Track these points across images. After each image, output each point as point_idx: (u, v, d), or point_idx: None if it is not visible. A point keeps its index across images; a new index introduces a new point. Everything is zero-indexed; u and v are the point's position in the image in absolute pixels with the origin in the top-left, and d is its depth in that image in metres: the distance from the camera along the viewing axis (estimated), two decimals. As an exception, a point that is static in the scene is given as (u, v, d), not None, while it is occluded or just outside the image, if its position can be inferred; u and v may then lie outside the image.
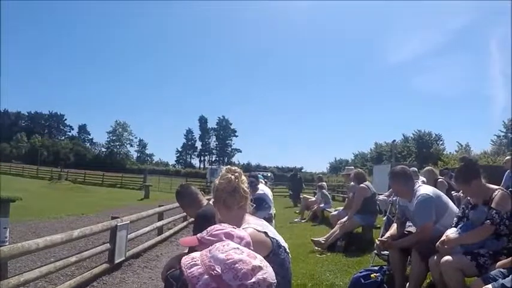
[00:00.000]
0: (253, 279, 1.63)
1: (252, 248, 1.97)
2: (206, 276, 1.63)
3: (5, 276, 5.00)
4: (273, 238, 2.67)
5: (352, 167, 12.41)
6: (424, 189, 5.20)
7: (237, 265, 1.64)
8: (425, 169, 10.54)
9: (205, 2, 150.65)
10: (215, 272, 1.62)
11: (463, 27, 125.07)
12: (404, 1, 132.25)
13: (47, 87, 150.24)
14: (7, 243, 5.04)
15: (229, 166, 3.03)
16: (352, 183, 9.89)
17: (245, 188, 2.88)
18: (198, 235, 2.09)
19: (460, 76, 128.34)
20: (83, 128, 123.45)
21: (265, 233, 2.65)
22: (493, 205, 4.19)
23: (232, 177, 2.84)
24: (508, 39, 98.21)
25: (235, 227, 2.18)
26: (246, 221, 2.76)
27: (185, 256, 1.80)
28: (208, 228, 2.12)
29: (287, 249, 2.80)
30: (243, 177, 2.93)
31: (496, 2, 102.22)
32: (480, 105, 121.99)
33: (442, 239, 4.38)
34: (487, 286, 3.51)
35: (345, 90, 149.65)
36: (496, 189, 4.34)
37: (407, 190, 5.28)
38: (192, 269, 1.67)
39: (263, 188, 8.13)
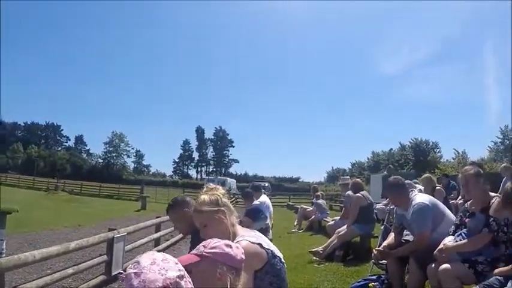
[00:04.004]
0: None
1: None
2: None
3: (1, 288, 4.98)
4: (268, 249, 2.64)
5: (348, 177, 12.39)
6: (420, 197, 5.22)
7: None
8: (423, 176, 10.60)
9: (203, 11, 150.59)
10: None
11: (456, 35, 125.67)
12: (395, 10, 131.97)
13: (43, 97, 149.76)
14: (3, 255, 5.03)
15: (206, 186, 3.00)
16: (348, 192, 9.88)
17: (225, 203, 2.83)
18: (195, 252, 2.07)
19: (455, 84, 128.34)
20: (79, 139, 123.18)
21: (260, 244, 2.62)
22: (490, 213, 4.20)
23: (212, 197, 2.80)
24: (502, 46, 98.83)
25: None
26: (238, 235, 2.72)
27: None
28: (204, 243, 2.10)
29: (282, 259, 2.76)
30: (221, 190, 2.89)
31: (489, 8, 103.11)
32: (476, 112, 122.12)
33: (439, 247, 4.38)
34: None
35: (341, 100, 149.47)
36: (494, 197, 4.35)
37: (402, 199, 5.33)
38: None
39: (261, 199, 8.14)
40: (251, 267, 2.46)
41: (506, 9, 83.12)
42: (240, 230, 2.82)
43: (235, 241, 2.56)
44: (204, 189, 2.90)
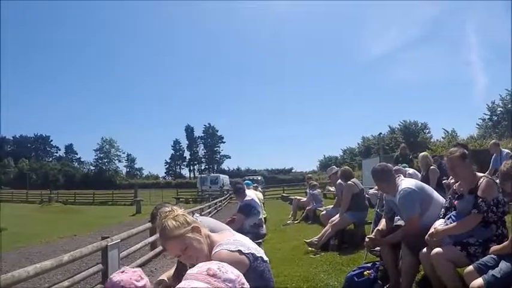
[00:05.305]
0: None
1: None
2: None
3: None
4: (248, 253, 2.63)
5: (334, 167, 12.34)
6: (405, 183, 5.22)
7: None
8: (420, 155, 10.69)
9: (190, 11, 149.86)
10: None
11: (437, 16, 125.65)
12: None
13: (30, 109, 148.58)
14: (-3, 273, 4.98)
15: (160, 210, 2.87)
16: (338, 181, 9.86)
17: (192, 218, 2.75)
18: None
19: (440, 64, 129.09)
20: (69, 148, 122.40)
21: (239, 250, 2.60)
22: (479, 193, 4.18)
23: (178, 218, 2.65)
24: (484, 23, 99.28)
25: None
26: (216, 243, 2.68)
27: None
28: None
29: (264, 258, 2.77)
30: (179, 210, 2.75)
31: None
32: (463, 91, 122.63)
33: (430, 231, 4.36)
34: (477, 280, 3.53)
35: (329, 87, 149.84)
36: (481, 177, 4.35)
37: (389, 186, 5.35)
38: None
39: (250, 194, 8.13)
40: None
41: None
42: (215, 237, 2.78)
43: (213, 251, 2.57)
44: (161, 216, 2.73)
